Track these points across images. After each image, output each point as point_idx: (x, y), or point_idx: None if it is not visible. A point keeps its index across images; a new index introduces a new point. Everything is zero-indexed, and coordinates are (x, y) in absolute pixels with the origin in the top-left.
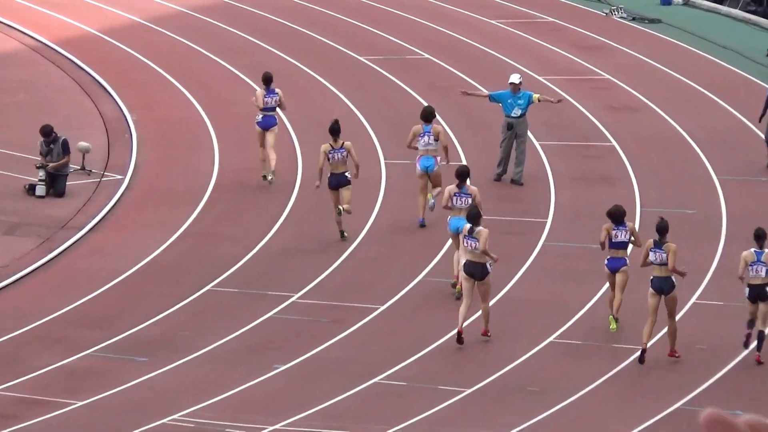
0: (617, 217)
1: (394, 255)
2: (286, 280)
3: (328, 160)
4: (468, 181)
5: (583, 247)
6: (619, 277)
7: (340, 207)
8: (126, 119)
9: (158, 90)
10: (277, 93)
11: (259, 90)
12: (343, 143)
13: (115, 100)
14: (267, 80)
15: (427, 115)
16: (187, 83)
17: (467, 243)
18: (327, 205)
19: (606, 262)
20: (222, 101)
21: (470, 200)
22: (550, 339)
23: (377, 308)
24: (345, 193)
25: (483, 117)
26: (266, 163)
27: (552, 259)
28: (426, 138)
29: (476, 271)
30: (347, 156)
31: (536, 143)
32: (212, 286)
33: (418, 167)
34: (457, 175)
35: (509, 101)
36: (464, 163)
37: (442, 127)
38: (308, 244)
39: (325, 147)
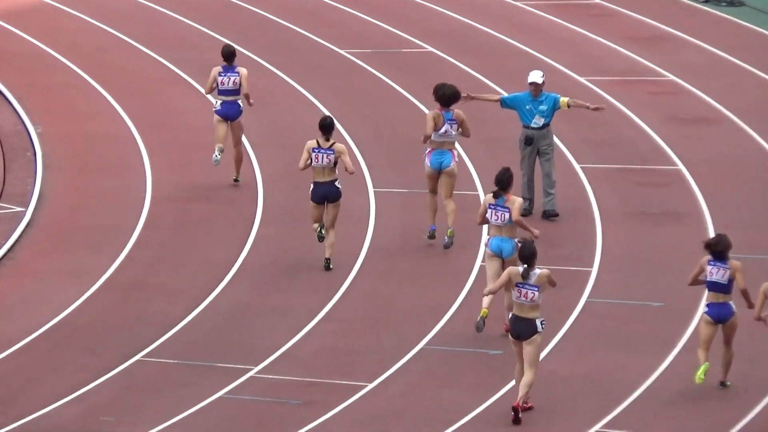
0: (720, 250)
1: (386, 314)
2: (242, 348)
3: (310, 162)
4: (509, 191)
5: (638, 305)
6: (726, 328)
7: (320, 230)
8: (28, 133)
9: (72, 95)
10: (238, 72)
11: (215, 68)
12: (333, 144)
13: (13, 107)
14: (228, 55)
15: (449, 97)
16: (112, 86)
17: (520, 292)
18: (299, 237)
19: (706, 308)
20: (157, 110)
21: (507, 215)
22: (596, 429)
23: (365, 386)
24: (332, 211)
25: (499, 128)
26: (237, 163)
27: (598, 321)
28: (447, 127)
29: (524, 329)
30: (336, 161)
31: (576, 166)
32: (143, 356)
33: (428, 164)
34: (497, 182)
35: (527, 107)
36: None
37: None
38: (273, 297)
39: (310, 144)
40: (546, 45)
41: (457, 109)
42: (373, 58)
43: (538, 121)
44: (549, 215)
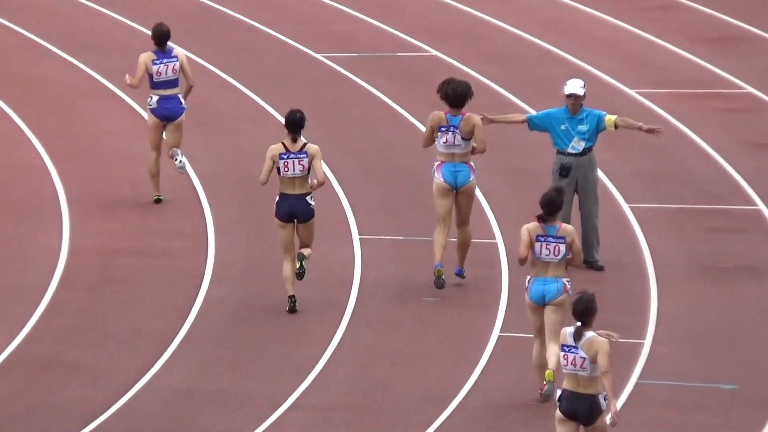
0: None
1: (375, 400)
2: None
3: (278, 172)
4: (559, 217)
5: (705, 387)
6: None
7: (301, 258)
8: None
9: None
10: (176, 57)
11: (144, 54)
12: (305, 146)
13: None
14: (160, 37)
15: (458, 96)
16: (17, 101)
17: (566, 357)
18: (262, 300)
19: None
20: (77, 132)
21: (562, 248)
22: None
23: None
24: (304, 231)
25: (523, 154)
26: (155, 177)
27: (652, 409)
28: (450, 135)
29: (582, 408)
30: (307, 168)
31: (625, 206)
32: None
33: (439, 178)
34: (546, 204)
35: (563, 127)
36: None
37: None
38: (226, 379)
39: (275, 149)
40: (586, 48)
41: (470, 114)
42: (360, 65)
43: (577, 145)
44: (592, 267)
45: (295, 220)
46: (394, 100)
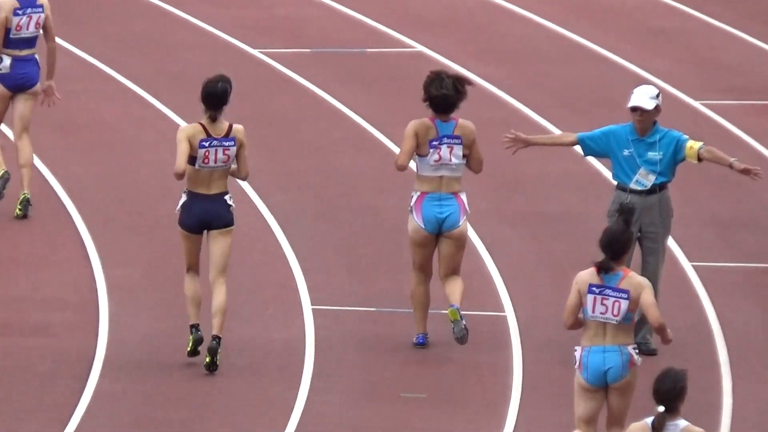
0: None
1: None
2: None
3: (193, 163)
4: (625, 262)
5: None
6: None
7: (213, 353)
8: None
9: None
10: (42, 7)
11: (6, 2)
12: (231, 128)
13: None
14: None
15: (449, 102)
16: None
17: None
18: (169, 391)
19: None
20: None
21: (624, 305)
22: None
23: None
24: (219, 243)
25: (541, 194)
26: (26, 171)
27: None
28: (446, 150)
29: None
30: (232, 158)
31: (686, 264)
32: None
33: (418, 221)
34: (606, 244)
35: (626, 152)
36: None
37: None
38: None
39: (190, 131)
40: (630, 41)
41: (463, 120)
42: (315, 65)
43: (644, 180)
44: (646, 351)
45: (206, 230)
46: (363, 115)
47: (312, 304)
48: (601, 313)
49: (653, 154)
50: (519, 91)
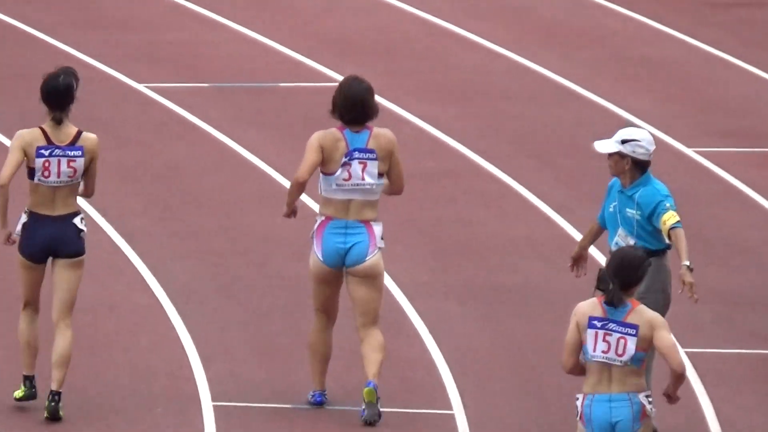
0: None
1: None
2: None
3: (32, 176)
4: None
5: None
6: None
7: (54, 407)
8: None
9: None
10: None
11: None
12: (79, 135)
13: None
14: None
15: (362, 102)
16: None
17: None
18: None
19: None
20: None
21: (631, 343)
22: None
23: None
24: (62, 278)
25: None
26: None
27: None
28: (357, 167)
29: None
30: (80, 173)
31: (680, 350)
32: None
33: (317, 253)
34: (614, 269)
35: (611, 208)
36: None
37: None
38: None
39: (29, 138)
40: (606, 73)
41: (379, 129)
42: (214, 102)
43: (623, 241)
44: None
45: (51, 257)
46: (274, 165)
47: (213, 400)
48: (603, 352)
49: (630, 212)
50: (470, 136)
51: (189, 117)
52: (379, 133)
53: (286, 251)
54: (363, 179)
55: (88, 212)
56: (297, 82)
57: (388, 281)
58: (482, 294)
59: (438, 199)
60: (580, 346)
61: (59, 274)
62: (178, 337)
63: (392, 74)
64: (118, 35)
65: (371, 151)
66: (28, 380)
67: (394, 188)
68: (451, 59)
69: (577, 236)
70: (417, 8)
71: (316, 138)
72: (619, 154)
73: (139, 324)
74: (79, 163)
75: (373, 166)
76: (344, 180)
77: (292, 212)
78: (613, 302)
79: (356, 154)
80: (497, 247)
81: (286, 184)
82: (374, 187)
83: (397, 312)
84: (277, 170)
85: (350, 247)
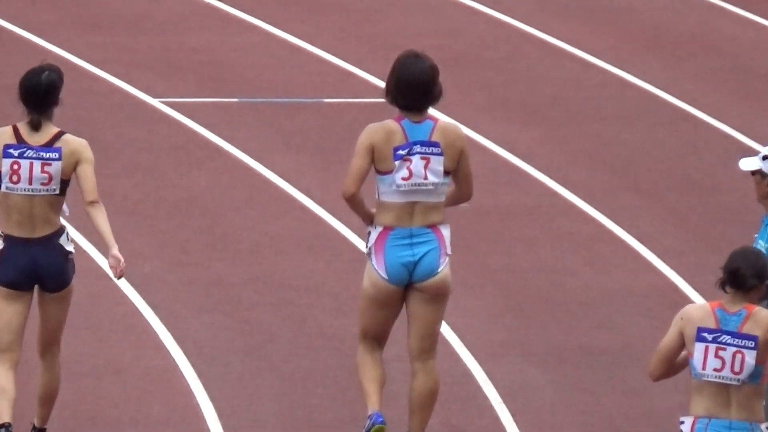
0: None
1: None
2: None
3: (8, 188)
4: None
5: None
6: None
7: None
8: None
9: None
10: None
11: None
12: (58, 136)
13: None
14: None
15: (424, 87)
16: None
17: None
18: None
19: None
20: None
21: (750, 357)
22: None
23: None
24: (48, 311)
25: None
26: None
27: None
28: (418, 164)
29: None
30: (65, 179)
31: None
32: None
33: (378, 270)
34: (730, 271)
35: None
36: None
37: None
38: None
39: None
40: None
41: (443, 121)
42: (243, 120)
43: None
44: None
45: (37, 285)
46: (317, 198)
47: None
48: (715, 370)
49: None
50: (556, 165)
51: (212, 138)
52: (445, 126)
53: (328, 305)
54: (426, 178)
55: (89, 253)
56: (344, 98)
57: (453, 341)
58: (570, 357)
59: (517, 242)
60: (676, 355)
61: (45, 306)
62: (198, 406)
63: (462, 88)
64: (126, 38)
65: (435, 144)
66: (4, 428)
67: (461, 194)
68: (534, 71)
69: (686, 287)
70: (492, 8)
71: (366, 135)
72: (761, 174)
73: (151, 391)
74: (56, 167)
75: (438, 163)
76: (403, 179)
77: (368, 217)
78: (723, 306)
79: (417, 148)
80: (589, 300)
81: (331, 221)
82: (439, 187)
83: (465, 377)
84: (319, 204)
85: (419, 259)
